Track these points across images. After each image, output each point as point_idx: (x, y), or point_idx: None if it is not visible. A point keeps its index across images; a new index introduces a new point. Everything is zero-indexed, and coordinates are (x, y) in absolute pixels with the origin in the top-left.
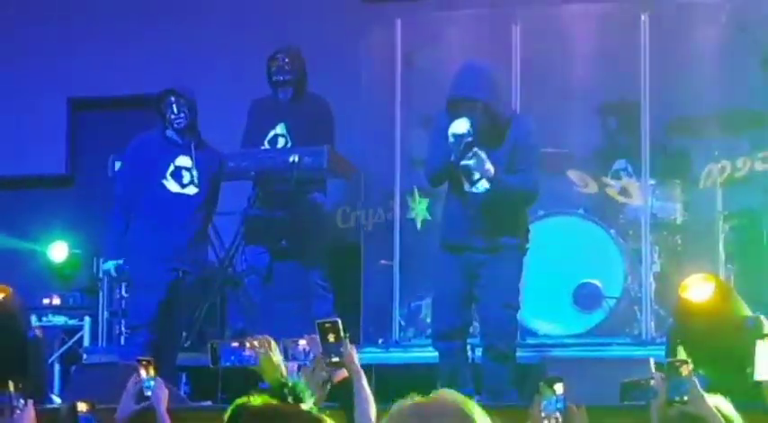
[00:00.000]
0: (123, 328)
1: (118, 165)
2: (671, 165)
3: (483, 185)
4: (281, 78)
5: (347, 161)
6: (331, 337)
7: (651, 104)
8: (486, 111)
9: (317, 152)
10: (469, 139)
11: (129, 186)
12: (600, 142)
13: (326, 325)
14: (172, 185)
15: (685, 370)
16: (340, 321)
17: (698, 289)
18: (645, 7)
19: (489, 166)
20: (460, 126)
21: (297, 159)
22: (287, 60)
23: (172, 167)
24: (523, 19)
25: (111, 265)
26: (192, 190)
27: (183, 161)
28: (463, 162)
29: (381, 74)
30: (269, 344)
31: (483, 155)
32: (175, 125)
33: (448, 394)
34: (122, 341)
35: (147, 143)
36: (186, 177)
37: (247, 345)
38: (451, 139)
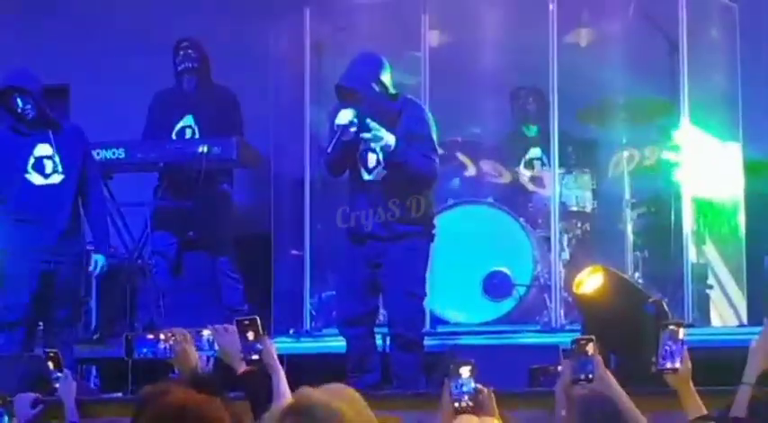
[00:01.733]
0: None
1: None
2: (580, 153)
3: (380, 174)
4: (188, 66)
5: (256, 151)
6: (250, 335)
7: (560, 93)
8: (368, 101)
9: (226, 143)
10: (353, 128)
11: None
12: (510, 131)
13: (245, 322)
14: (35, 178)
15: (591, 348)
16: (259, 319)
17: (588, 283)
18: None
19: (387, 135)
20: (343, 116)
21: (206, 150)
22: (192, 49)
23: (32, 160)
24: (432, 7)
25: None
26: (56, 178)
27: (43, 150)
28: (363, 135)
29: (290, 63)
30: (185, 337)
31: (377, 126)
32: (27, 117)
33: (316, 392)
34: None
35: (1, 139)
36: (49, 166)
37: (162, 337)
38: (335, 129)
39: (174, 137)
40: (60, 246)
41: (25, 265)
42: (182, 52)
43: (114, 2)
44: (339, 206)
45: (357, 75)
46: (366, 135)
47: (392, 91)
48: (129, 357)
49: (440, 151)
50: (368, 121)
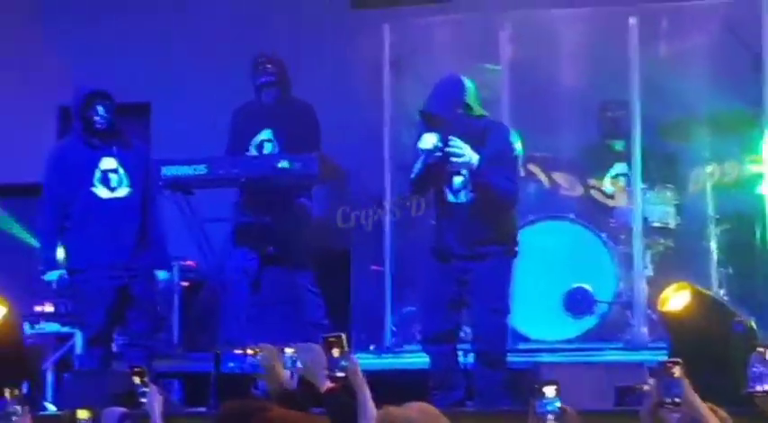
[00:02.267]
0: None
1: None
2: (662, 168)
3: (465, 196)
4: (266, 80)
5: (337, 166)
6: (335, 352)
7: (642, 108)
8: (452, 126)
9: (308, 159)
10: (438, 153)
11: (58, 198)
12: (589, 146)
13: (331, 339)
14: (102, 191)
15: (677, 371)
16: (344, 336)
17: (674, 300)
18: (634, 11)
19: (470, 153)
20: (427, 141)
21: (287, 165)
22: (270, 64)
23: (98, 173)
24: (512, 23)
25: (53, 276)
26: (123, 191)
27: (108, 163)
28: (448, 151)
29: (369, 79)
30: (272, 352)
31: (461, 144)
32: (97, 126)
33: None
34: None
35: (68, 151)
36: (114, 180)
37: (250, 352)
38: (420, 152)
39: (253, 150)
40: (131, 260)
41: (97, 281)
42: (260, 67)
43: (193, 19)
44: (419, 222)
45: (441, 100)
46: (449, 149)
47: (477, 111)
48: (218, 371)
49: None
50: (451, 138)
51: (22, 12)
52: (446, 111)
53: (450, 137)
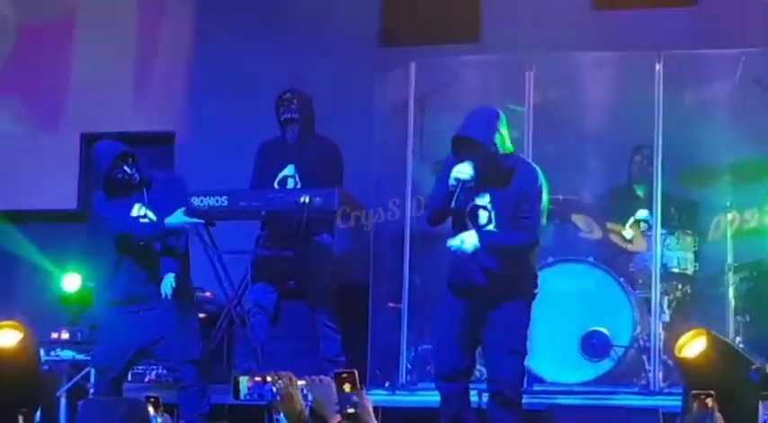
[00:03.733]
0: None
1: None
2: (683, 214)
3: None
4: (290, 116)
5: (358, 203)
6: (347, 387)
7: (664, 153)
8: (486, 154)
9: (328, 193)
10: (471, 183)
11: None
12: (611, 189)
13: (343, 375)
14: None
15: (711, 402)
16: (356, 372)
17: (690, 346)
18: (660, 56)
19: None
20: (464, 170)
21: (307, 200)
22: (295, 100)
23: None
24: (538, 65)
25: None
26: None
27: (138, 210)
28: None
29: (395, 116)
30: (291, 380)
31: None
32: (132, 182)
33: None
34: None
35: (100, 206)
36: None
37: (269, 379)
38: (452, 182)
39: (276, 186)
40: (154, 292)
41: (118, 313)
42: (285, 103)
43: (219, 50)
44: (438, 260)
45: (477, 125)
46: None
47: (508, 147)
48: (237, 399)
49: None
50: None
51: (50, 39)
52: (481, 135)
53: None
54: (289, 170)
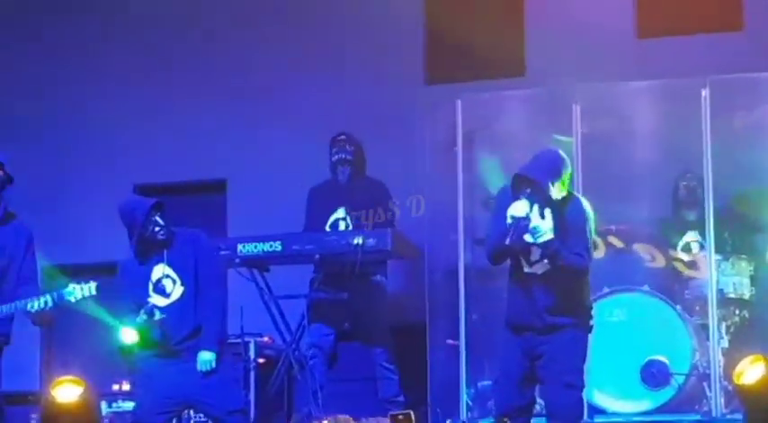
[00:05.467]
0: (192, 414)
1: None
2: (737, 239)
3: (542, 268)
4: (342, 157)
5: (410, 242)
6: None
7: (715, 178)
8: (545, 197)
9: (381, 234)
10: (527, 222)
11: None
12: (668, 215)
13: (399, 417)
14: (158, 300)
15: None
16: (412, 413)
17: (750, 373)
18: (705, 82)
19: (548, 229)
20: (520, 208)
21: (361, 242)
22: (348, 142)
23: (151, 285)
24: (583, 97)
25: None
26: (177, 293)
27: (159, 271)
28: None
29: (442, 154)
30: None
31: (540, 220)
32: (159, 237)
33: None
34: None
35: (126, 270)
36: (168, 285)
37: None
38: (509, 220)
39: (328, 229)
40: (185, 349)
41: (157, 365)
42: (338, 144)
43: (268, 94)
44: (495, 295)
45: (541, 167)
46: (531, 224)
47: (566, 188)
48: None
49: (596, 241)
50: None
51: (102, 83)
52: (542, 177)
53: (539, 202)
54: (340, 213)
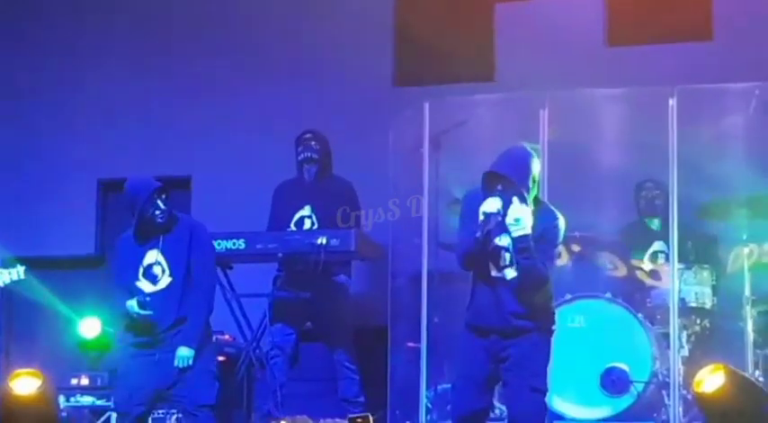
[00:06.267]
0: None
1: None
2: (699, 249)
3: (510, 273)
4: (308, 155)
5: (375, 243)
6: None
7: (680, 188)
8: (517, 194)
9: (344, 234)
10: (499, 218)
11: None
12: (632, 223)
13: (358, 419)
14: (145, 286)
15: None
16: (371, 416)
17: (709, 382)
18: (673, 91)
19: (528, 222)
20: (492, 205)
21: (325, 242)
22: (314, 139)
23: (141, 269)
24: (552, 102)
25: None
26: (164, 282)
27: (151, 257)
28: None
29: (410, 156)
30: None
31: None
32: (158, 220)
33: None
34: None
35: (122, 247)
36: (158, 272)
37: None
38: (481, 217)
39: (293, 227)
40: (165, 338)
41: (137, 356)
42: (304, 142)
43: (236, 93)
44: (457, 298)
45: (511, 163)
46: (509, 212)
47: (535, 190)
48: None
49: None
50: (512, 201)
51: (70, 77)
52: (515, 174)
53: (512, 198)
54: (306, 210)
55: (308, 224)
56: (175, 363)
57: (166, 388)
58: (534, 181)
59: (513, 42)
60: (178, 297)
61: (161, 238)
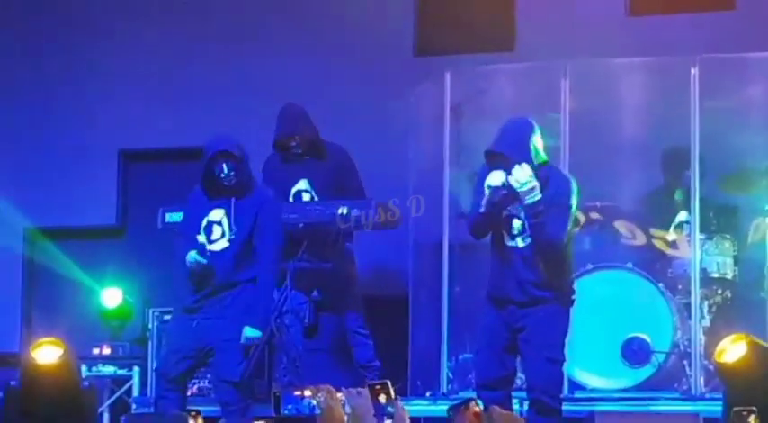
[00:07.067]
0: None
1: (169, 216)
2: (721, 219)
3: (523, 241)
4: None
5: (394, 211)
6: (382, 398)
7: (702, 158)
8: (518, 161)
9: (365, 204)
10: (504, 191)
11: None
12: (650, 195)
13: (377, 386)
14: (202, 240)
15: (753, 419)
16: (390, 382)
17: (731, 351)
18: (695, 61)
19: (536, 184)
20: (496, 178)
21: (345, 212)
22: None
23: (205, 222)
24: (573, 72)
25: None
26: (220, 245)
27: (215, 215)
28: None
29: (430, 126)
30: (331, 394)
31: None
32: (225, 183)
33: None
34: None
35: (191, 199)
36: (217, 232)
37: (308, 393)
38: (486, 191)
39: (291, 200)
40: (210, 304)
41: (181, 320)
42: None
43: (255, 62)
44: (478, 268)
45: (508, 141)
46: (513, 177)
47: (541, 157)
48: (278, 414)
49: (581, 217)
50: (516, 168)
51: (81, 61)
52: (512, 152)
53: (515, 165)
54: (303, 184)
55: (306, 197)
56: (242, 340)
57: (200, 353)
58: (537, 150)
59: (533, 12)
60: (230, 264)
61: (232, 202)
